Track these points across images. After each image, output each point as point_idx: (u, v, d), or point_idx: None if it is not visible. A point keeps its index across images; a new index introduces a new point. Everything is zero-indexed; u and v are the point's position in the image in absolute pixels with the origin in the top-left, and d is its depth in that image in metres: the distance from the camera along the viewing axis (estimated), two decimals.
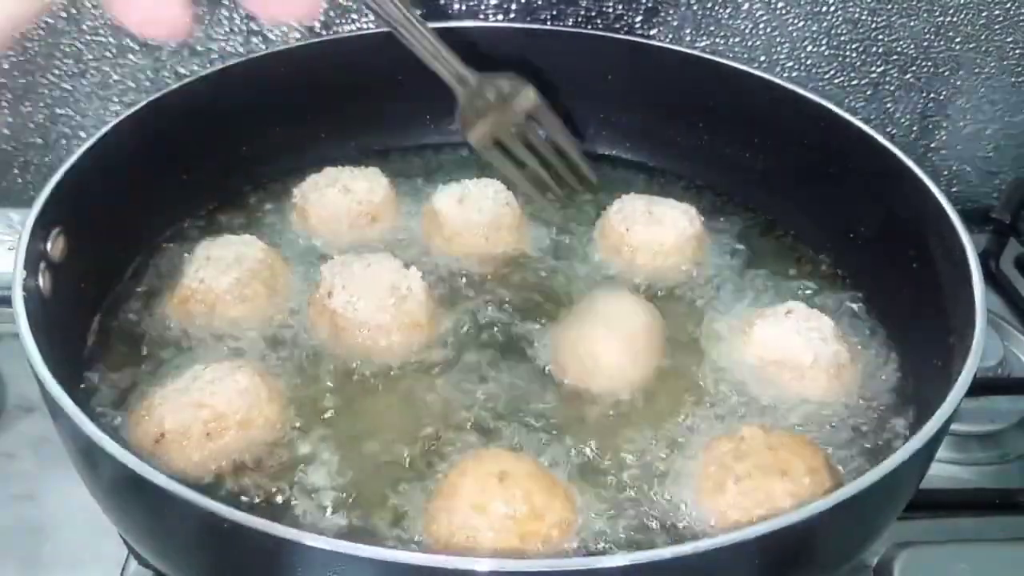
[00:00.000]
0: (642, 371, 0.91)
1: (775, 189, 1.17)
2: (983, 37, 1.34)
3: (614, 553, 0.74)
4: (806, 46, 1.34)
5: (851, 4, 1.30)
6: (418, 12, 0.86)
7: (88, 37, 1.25)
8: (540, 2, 1.27)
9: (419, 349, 0.95)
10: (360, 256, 0.98)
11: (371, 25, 1.28)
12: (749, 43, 1.32)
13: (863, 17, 1.31)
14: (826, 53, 1.34)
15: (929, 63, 1.36)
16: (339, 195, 1.09)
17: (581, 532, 0.77)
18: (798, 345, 0.91)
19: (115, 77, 1.28)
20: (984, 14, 1.32)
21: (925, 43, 1.34)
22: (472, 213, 1.07)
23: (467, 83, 0.93)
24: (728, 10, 1.29)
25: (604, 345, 0.90)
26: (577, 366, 0.91)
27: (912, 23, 1.32)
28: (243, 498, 0.80)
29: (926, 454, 0.74)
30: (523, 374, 0.93)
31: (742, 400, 0.91)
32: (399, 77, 1.24)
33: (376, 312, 0.93)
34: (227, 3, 1.24)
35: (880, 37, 1.33)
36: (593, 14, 1.29)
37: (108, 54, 1.27)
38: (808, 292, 1.06)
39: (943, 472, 1.03)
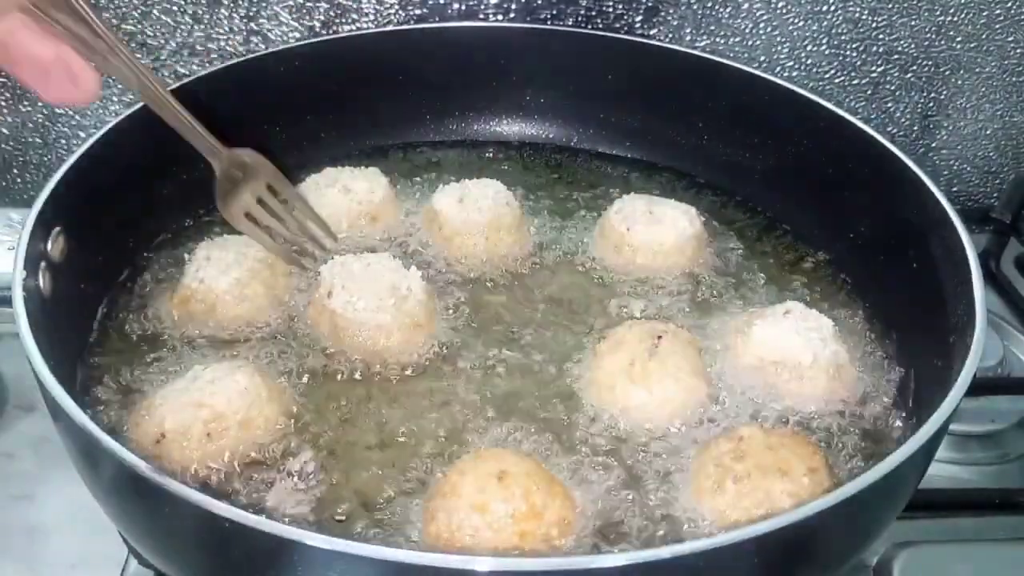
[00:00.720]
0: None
1: (775, 189, 1.17)
2: (984, 36, 1.34)
3: (614, 553, 0.74)
4: (806, 46, 1.33)
5: (851, 4, 1.30)
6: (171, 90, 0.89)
7: None
8: (540, 2, 1.27)
9: (419, 349, 0.95)
10: (359, 256, 0.98)
11: (371, 25, 1.28)
12: (749, 43, 1.32)
13: (863, 17, 1.31)
14: (826, 53, 1.34)
15: (929, 63, 1.36)
16: (339, 195, 1.09)
17: (580, 531, 0.77)
18: (797, 345, 0.91)
19: (115, 77, 1.28)
20: (985, 13, 1.32)
21: (926, 43, 1.34)
22: (472, 213, 1.07)
23: (220, 156, 0.94)
24: (728, 10, 1.29)
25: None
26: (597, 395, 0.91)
27: (913, 22, 1.32)
28: (243, 498, 0.80)
29: (926, 454, 0.74)
30: (521, 375, 0.93)
31: (741, 400, 0.91)
32: (399, 77, 1.24)
33: (376, 312, 0.93)
34: (227, 3, 1.24)
35: (880, 37, 1.33)
36: (593, 14, 1.29)
37: None
38: (808, 292, 1.06)
39: (943, 472, 1.03)
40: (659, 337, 0.90)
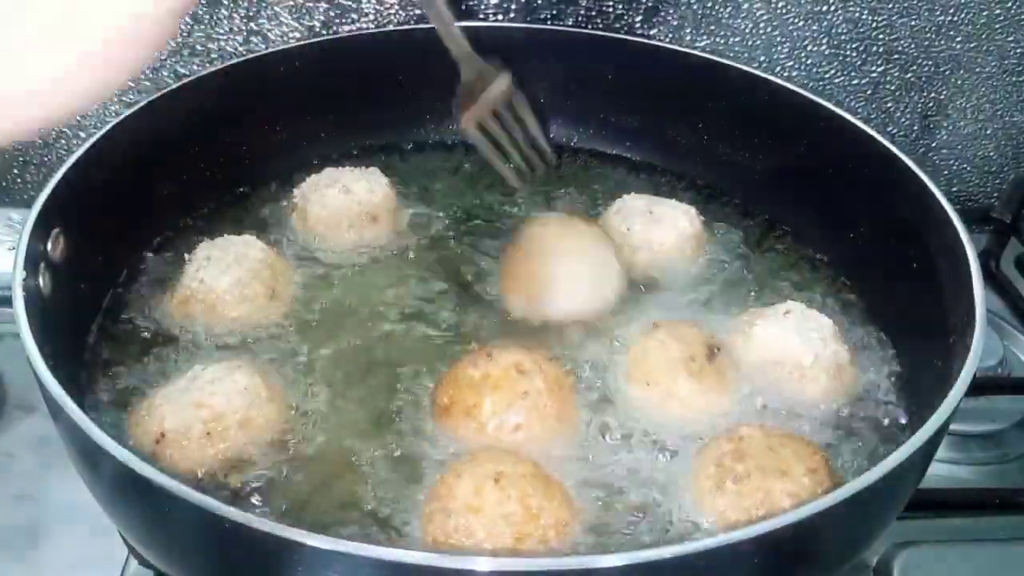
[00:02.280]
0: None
1: (775, 189, 1.17)
2: (984, 36, 1.34)
3: (614, 553, 0.74)
4: (806, 46, 1.33)
5: (851, 3, 1.30)
6: None
7: None
8: (540, 2, 1.27)
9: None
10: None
11: (371, 25, 1.28)
12: (749, 43, 1.32)
13: (863, 16, 1.31)
14: (826, 53, 1.34)
15: (929, 63, 1.36)
16: (339, 195, 1.09)
17: (579, 532, 0.77)
18: (798, 345, 0.91)
19: None
20: (985, 13, 1.32)
21: (926, 42, 1.34)
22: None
23: (470, 64, 1.01)
24: (728, 10, 1.29)
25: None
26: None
27: (913, 22, 1.32)
28: (243, 498, 0.80)
29: (926, 454, 0.74)
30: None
31: (741, 400, 0.91)
32: (399, 77, 1.24)
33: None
34: (227, 3, 1.24)
35: (880, 37, 1.33)
36: (593, 14, 1.29)
37: None
38: (807, 292, 1.06)
39: (943, 472, 1.03)
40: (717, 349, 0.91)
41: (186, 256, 1.01)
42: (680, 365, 0.88)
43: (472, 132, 1.03)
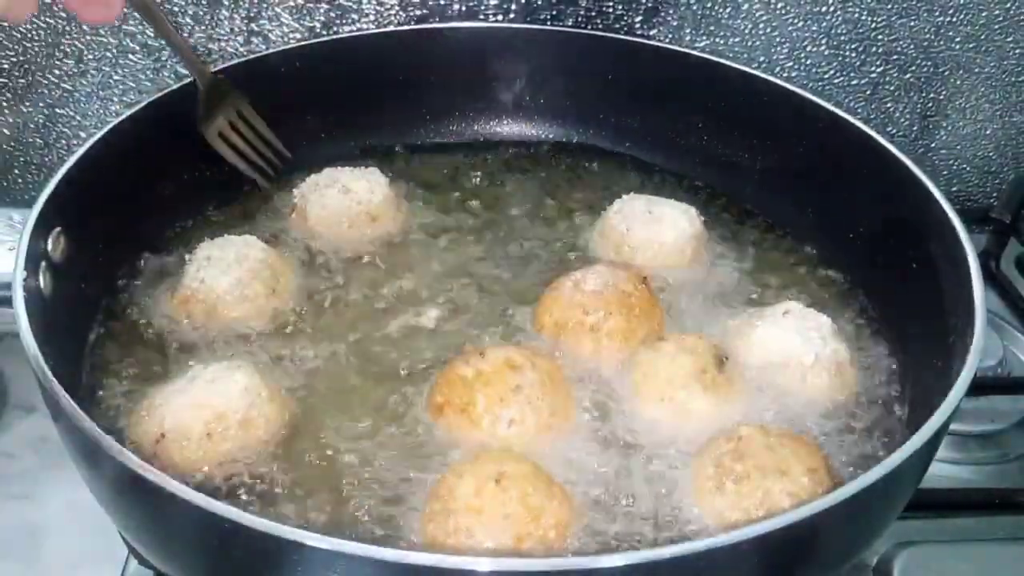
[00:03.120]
0: None
1: (775, 189, 1.17)
2: (983, 37, 1.34)
3: (614, 553, 0.74)
4: (806, 46, 1.34)
5: (851, 4, 1.30)
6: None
7: (88, 37, 1.25)
8: (540, 2, 1.27)
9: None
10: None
11: (371, 26, 1.28)
12: (749, 43, 1.32)
13: (863, 17, 1.31)
14: (826, 53, 1.34)
15: (929, 63, 1.36)
16: (339, 195, 1.09)
17: (579, 532, 0.77)
18: (798, 345, 0.91)
19: (115, 77, 1.29)
20: (984, 14, 1.32)
21: (925, 43, 1.34)
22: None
23: (206, 77, 1.07)
24: (728, 10, 1.29)
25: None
26: None
27: (912, 23, 1.32)
28: (244, 498, 0.80)
29: (926, 454, 0.74)
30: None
31: (741, 399, 0.91)
32: (399, 77, 1.24)
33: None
34: (227, 3, 1.24)
35: (880, 37, 1.33)
36: (593, 14, 1.29)
37: (108, 54, 1.27)
38: (807, 292, 1.06)
39: (943, 472, 1.03)
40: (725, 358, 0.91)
41: (186, 256, 1.01)
42: (693, 380, 0.87)
43: (218, 143, 1.09)
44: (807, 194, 1.14)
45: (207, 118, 1.08)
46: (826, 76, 1.36)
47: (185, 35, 1.26)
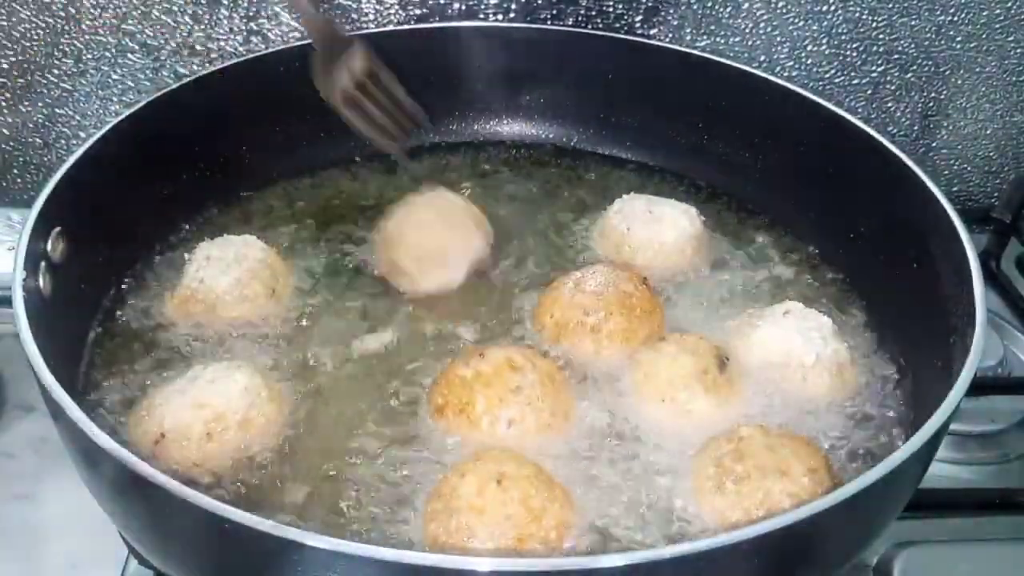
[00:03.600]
0: None
1: (775, 189, 1.17)
2: (984, 36, 1.34)
3: (614, 553, 0.74)
4: (806, 46, 1.33)
5: (851, 3, 1.30)
6: None
7: (88, 37, 1.25)
8: (540, 2, 1.27)
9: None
10: None
11: (371, 25, 1.28)
12: (749, 43, 1.32)
13: (863, 16, 1.31)
14: (826, 52, 1.34)
15: (930, 62, 1.36)
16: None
17: (580, 533, 0.77)
18: (799, 345, 0.91)
19: (115, 77, 1.28)
20: (985, 13, 1.32)
21: (926, 42, 1.34)
22: None
23: (324, 31, 0.96)
24: (728, 9, 1.29)
25: None
26: None
27: (913, 22, 1.32)
28: (243, 498, 0.80)
29: (926, 454, 0.74)
30: None
31: (742, 399, 0.91)
32: (399, 77, 1.24)
33: None
34: (227, 3, 1.24)
35: (881, 36, 1.33)
36: (593, 14, 1.29)
37: (108, 54, 1.27)
38: (807, 292, 1.06)
39: (943, 472, 1.03)
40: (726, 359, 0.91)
41: (186, 256, 1.01)
42: (695, 380, 0.87)
43: (344, 110, 0.99)
44: (808, 194, 1.14)
45: (324, 77, 0.97)
46: (827, 75, 1.36)
47: (184, 34, 1.26)
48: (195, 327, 0.96)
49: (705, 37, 1.31)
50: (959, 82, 1.37)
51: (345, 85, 0.97)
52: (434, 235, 1.00)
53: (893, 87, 1.38)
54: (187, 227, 1.10)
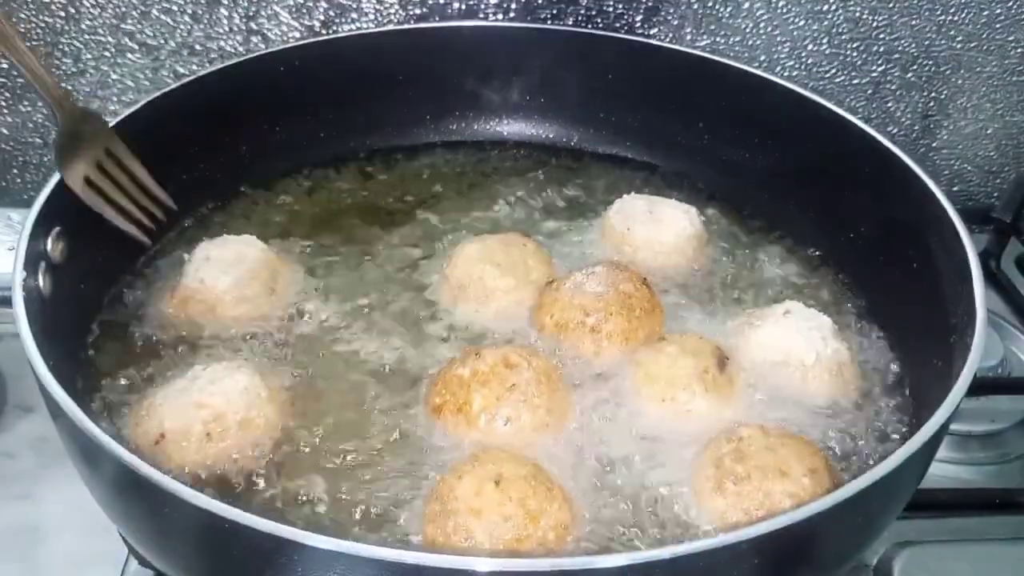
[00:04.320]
0: None
1: (775, 189, 1.17)
2: (984, 36, 1.34)
3: (614, 553, 0.74)
4: (807, 45, 1.33)
5: (852, 3, 1.30)
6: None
7: (87, 36, 1.25)
8: (540, 2, 1.27)
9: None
10: None
11: (371, 25, 1.28)
12: (749, 42, 1.32)
13: (864, 16, 1.31)
14: (827, 52, 1.34)
15: (930, 62, 1.36)
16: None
17: (579, 533, 0.77)
18: (799, 344, 0.91)
19: (114, 77, 1.28)
20: (985, 13, 1.32)
21: (926, 42, 1.34)
22: None
23: (65, 108, 0.91)
24: (728, 9, 1.29)
25: None
26: None
27: (913, 22, 1.32)
28: (243, 497, 0.80)
29: (926, 454, 0.74)
30: None
31: (742, 400, 0.90)
32: (399, 77, 1.24)
33: None
34: (227, 3, 1.24)
35: (881, 36, 1.33)
36: (593, 14, 1.29)
37: (107, 54, 1.27)
38: (807, 292, 1.06)
39: (943, 472, 1.03)
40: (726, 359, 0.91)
41: (185, 256, 1.01)
42: (695, 380, 0.87)
43: (84, 191, 0.90)
44: (808, 194, 1.14)
45: (69, 158, 0.90)
46: (827, 75, 1.36)
47: (184, 34, 1.26)
48: (195, 327, 0.96)
49: (705, 37, 1.31)
50: (959, 82, 1.37)
51: (87, 168, 0.91)
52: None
53: (893, 87, 1.37)
54: (187, 226, 1.10)
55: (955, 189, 1.47)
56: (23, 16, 1.22)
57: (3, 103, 1.29)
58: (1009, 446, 1.07)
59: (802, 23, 1.31)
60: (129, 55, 1.27)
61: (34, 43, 1.25)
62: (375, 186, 1.20)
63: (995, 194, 1.48)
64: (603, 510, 0.80)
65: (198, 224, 1.11)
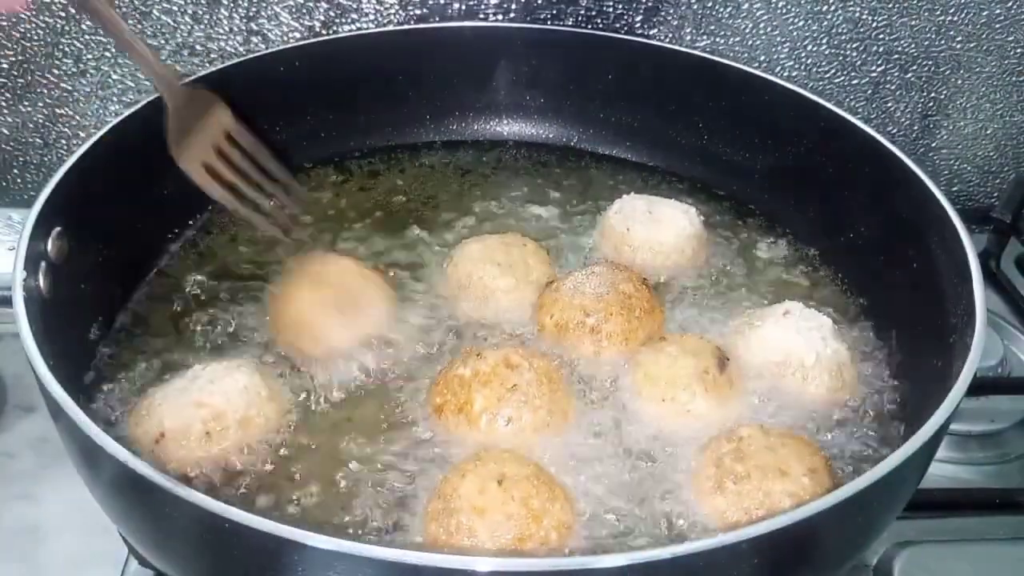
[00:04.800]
0: None
1: (775, 189, 1.17)
2: (984, 36, 1.34)
3: (614, 553, 0.74)
4: (806, 45, 1.33)
5: (851, 4, 1.30)
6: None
7: (88, 37, 1.25)
8: (540, 2, 1.27)
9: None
10: None
11: (371, 25, 1.28)
12: (749, 43, 1.32)
13: (863, 16, 1.31)
14: (826, 52, 1.34)
15: (930, 62, 1.36)
16: None
17: (580, 533, 0.77)
18: (799, 345, 0.91)
19: (115, 77, 1.28)
20: (985, 13, 1.32)
21: (926, 42, 1.34)
22: None
23: (175, 90, 0.85)
24: (728, 9, 1.29)
25: None
26: None
27: (913, 22, 1.32)
28: (243, 498, 0.80)
29: (926, 454, 0.74)
30: None
31: (742, 400, 0.90)
32: (399, 77, 1.24)
33: None
34: (227, 3, 1.24)
35: (881, 36, 1.33)
36: (593, 14, 1.29)
37: (108, 54, 1.27)
38: (807, 292, 1.06)
39: (943, 472, 1.03)
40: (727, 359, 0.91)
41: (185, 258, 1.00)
42: (695, 381, 0.88)
43: (200, 175, 0.85)
44: (807, 194, 1.14)
45: (182, 145, 0.84)
46: (827, 75, 1.36)
47: (184, 34, 1.26)
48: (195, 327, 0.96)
49: (705, 37, 1.31)
50: (959, 82, 1.37)
51: (206, 151, 0.84)
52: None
53: (893, 87, 1.38)
54: (187, 227, 1.10)
55: (954, 189, 1.47)
56: (23, 16, 1.22)
57: (3, 103, 1.29)
58: (1008, 446, 1.07)
59: (802, 23, 1.31)
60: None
61: (34, 43, 1.25)
62: (375, 186, 1.20)
63: (995, 194, 1.48)
64: (604, 510, 0.80)
65: (198, 224, 1.11)
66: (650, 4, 1.28)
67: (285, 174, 0.90)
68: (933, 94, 1.39)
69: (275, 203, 0.88)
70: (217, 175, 0.84)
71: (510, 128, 1.30)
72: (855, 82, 1.37)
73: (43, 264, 0.85)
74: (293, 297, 0.88)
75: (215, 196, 0.85)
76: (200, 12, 1.25)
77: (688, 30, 1.31)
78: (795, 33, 1.32)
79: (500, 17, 1.28)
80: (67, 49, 1.26)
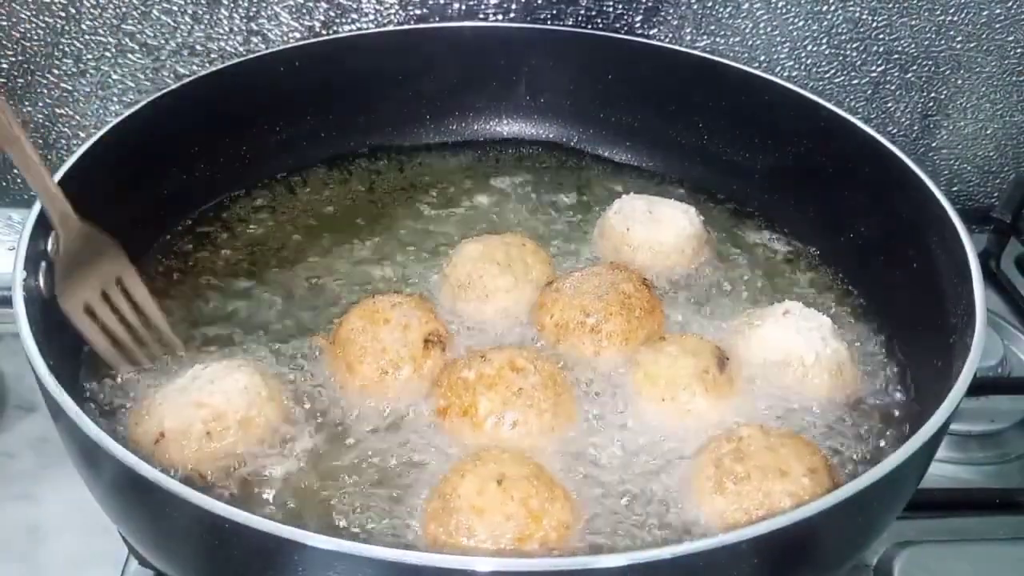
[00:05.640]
0: None
1: (775, 189, 1.17)
2: (984, 36, 1.34)
3: (614, 553, 0.74)
4: (806, 45, 1.33)
5: (851, 3, 1.30)
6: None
7: (88, 37, 1.25)
8: (540, 2, 1.27)
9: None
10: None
11: (371, 25, 1.28)
12: (749, 43, 1.32)
13: (864, 16, 1.31)
14: (826, 52, 1.34)
15: (930, 62, 1.36)
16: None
17: (580, 533, 0.77)
18: (799, 344, 0.91)
19: (115, 77, 1.28)
20: (985, 13, 1.32)
21: (926, 42, 1.34)
22: None
23: (70, 226, 0.84)
24: (728, 9, 1.29)
25: None
26: None
27: (913, 22, 1.32)
28: (243, 498, 0.80)
29: (926, 454, 0.74)
30: None
31: (742, 400, 0.90)
32: (399, 77, 1.24)
33: None
34: (227, 3, 1.24)
35: (881, 36, 1.33)
36: (593, 14, 1.29)
37: (108, 54, 1.27)
38: (807, 292, 1.06)
39: (943, 472, 1.03)
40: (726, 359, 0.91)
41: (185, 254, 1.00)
42: (695, 380, 0.88)
43: (77, 315, 0.84)
44: (807, 194, 1.14)
45: (68, 281, 0.83)
46: (827, 75, 1.36)
47: (184, 34, 1.26)
48: (196, 327, 0.96)
49: (705, 37, 1.31)
50: (959, 82, 1.37)
51: (89, 294, 0.83)
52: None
53: (893, 87, 1.38)
54: (187, 227, 1.10)
55: (954, 189, 1.47)
56: (23, 16, 1.22)
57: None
58: (1008, 446, 1.07)
59: (802, 23, 1.31)
60: (130, 55, 1.27)
61: (34, 43, 1.25)
62: (375, 186, 1.20)
63: (995, 194, 1.48)
64: (603, 510, 0.80)
65: (198, 224, 1.11)
66: (650, 4, 1.28)
67: (166, 327, 0.91)
68: (933, 94, 1.39)
69: (145, 351, 0.89)
70: (96, 316, 0.85)
71: (510, 128, 1.30)
72: (855, 82, 1.37)
73: (43, 264, 0.85)
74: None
75: (89, 339, 0.85)
76: (200, 12, 1.25)
77: (688, 30, 1.31)
78: (795, 33, 1.32)
79: (500, 17, 1.28)
80: (67, 49, 1.26)
